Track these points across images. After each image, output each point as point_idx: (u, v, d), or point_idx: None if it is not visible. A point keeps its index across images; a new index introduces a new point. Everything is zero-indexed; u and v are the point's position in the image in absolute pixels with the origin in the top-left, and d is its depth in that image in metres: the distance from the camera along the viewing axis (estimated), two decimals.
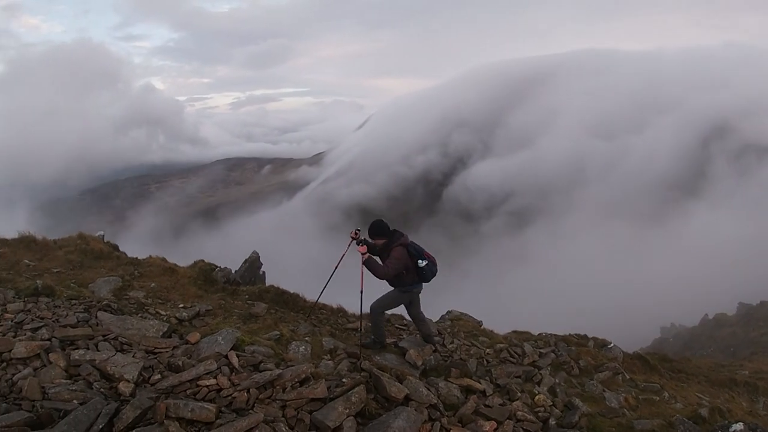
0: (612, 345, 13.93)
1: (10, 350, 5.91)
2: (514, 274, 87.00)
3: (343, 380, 6.09)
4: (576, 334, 14.25)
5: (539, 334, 13.05)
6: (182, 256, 13.69)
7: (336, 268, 9.15)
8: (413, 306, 9.35)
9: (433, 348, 9.47)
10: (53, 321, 7.30)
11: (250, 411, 5.22)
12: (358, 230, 8.76)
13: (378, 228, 8.76)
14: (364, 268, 8.52)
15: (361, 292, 8.84)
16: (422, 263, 8.60)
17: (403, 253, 8.55)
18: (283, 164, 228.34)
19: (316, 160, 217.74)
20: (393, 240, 8.66)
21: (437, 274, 8.95)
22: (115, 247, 13.85)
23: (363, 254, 8.50)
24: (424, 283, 9.02)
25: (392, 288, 8.97)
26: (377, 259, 8.69)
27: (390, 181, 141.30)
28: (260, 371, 6.09)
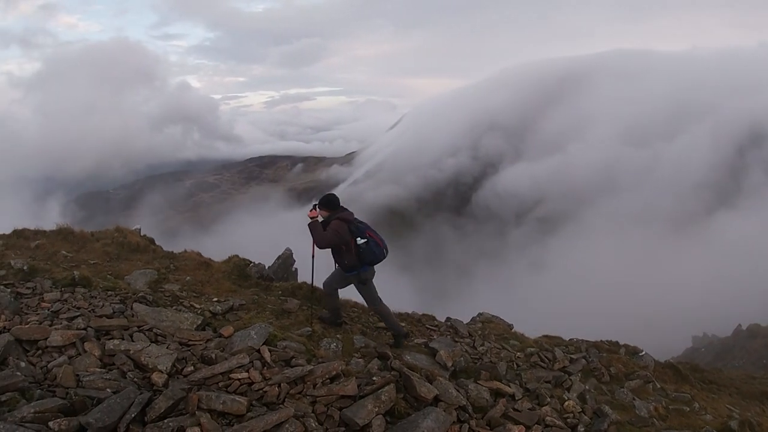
0: (644, 353, 13.79)
1: (46, 338, 6.00)
2: (543, 279, 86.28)
3: (374, 378, 6.06)
4: (607, 341, 14.12)
5: (570, 340, 12.94)
6: (215, 251, 13.80)
7: (314, 249, 9.03)
8: (366, 292, 9.23)
9: (402, 339, 9.41)
10: (89, 311, 7.42)
11: (281, 405, 5.22)
12: (316, 205, 8.74)
13: (326, 200, 8.76)
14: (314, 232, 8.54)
15: (313, 257, 9.16)
16: (361, 242, 8.52)
17: (342, 227, 8.47)
18: (315, 163, 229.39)
19: (348, 159, 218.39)
20: (334, 214, 8.64)
21: (384, 258, 8.85)
22: (152, 241, 14.03)
23: (311, 218, 8.57)
24: (371, 266, 8.92)
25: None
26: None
27: (420, 184, 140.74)
28: (291, 366, 6.08)
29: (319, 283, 9.81)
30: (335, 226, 8.44)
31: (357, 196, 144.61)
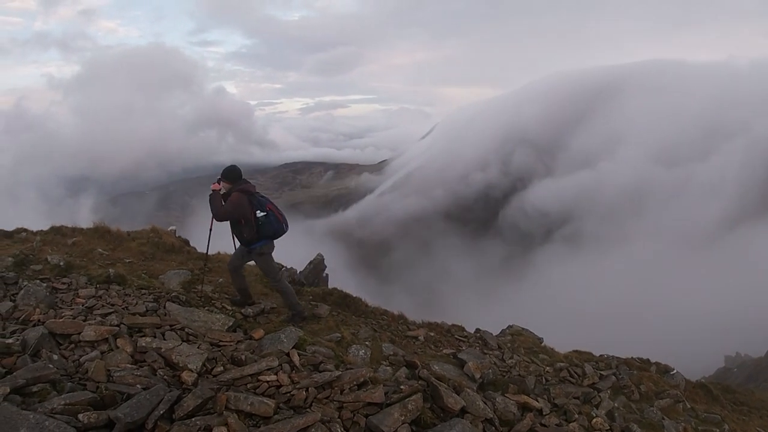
0: (675, 372, 13.56)
1: (80, 333, 6.12)
2: (570, 297, 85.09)
3: (401, 387, 6.03)
4: (638, 358, 13.90)
5: (601, 356, 12.77)
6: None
7: (212, 223, 9.05)
8: (264, 265, 9.17)
9: (299, 318, 9.31)
10: (123, 308, 7.52)
11: (308, 410, 5.21)
12: (221, 179, 8.66)
13: (228, 172, 8.68)
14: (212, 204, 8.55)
15: (210, 230, 9.23)
16: (260, 215, 8.49)
17: (241, 199, 8.44)
18: (348, 170, 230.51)
19: (379, 168, 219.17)
20: (236, 186, 8.59)
21: (284, 232, 8.93)
22: (186, 242, 14.18)
23: (213, 190, 8.54)
24: (270, 240, 8.90)
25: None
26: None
27: (447, 198, 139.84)
28: (320, 371, 6.10)
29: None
30: (235, 198, 8.43)
31: (383, 207, 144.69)
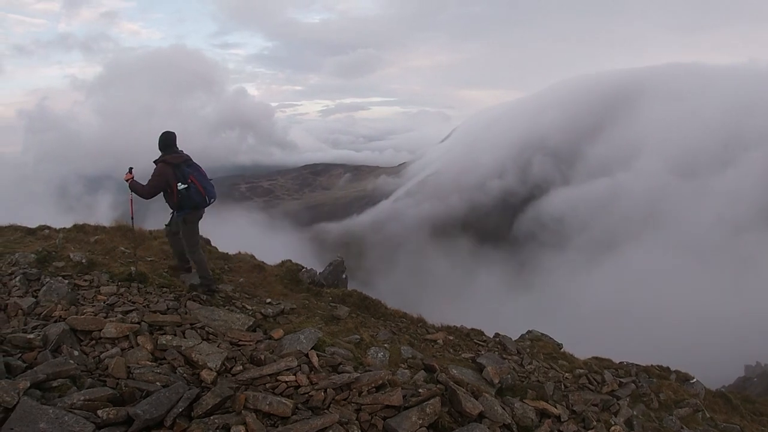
0: (695, 380, 13.43)
1: (101, 330, 6.17)
2: (588, 304, 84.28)
3: (419, 390, 6.00)
4: (658, 366, 13.77)
5: (620, 363, 12.64)
6: (267, 255, 13.94)
7: (132, 210, 9.46)
8: (186, 233, 9.32)
9: (206, 288, 9.39)
10: (144, 306, 7.57)
11: (326, 411, 5.21)
12: (132, 168, 8.80)
13: (160, 140, 8.86)
14: (133, 195, 8.76)
15: (132, 218, 9.80)
16: (181, 187, 8.61)
17: (164, 170, 8.58)
18: (368, 171, 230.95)
19: (397, 170, 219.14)
20: (164, 154, 8.76)
21: (207, 205, 9.11)
22: (207, 242, 14.24)
23: (127, 180, 8.62)
24: (192, 210, 9.04)
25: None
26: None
27: (463, 204, 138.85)
28: (339, 373, 6.10)
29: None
30: (158, 169, 8.62)
31: (398, 213, 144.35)
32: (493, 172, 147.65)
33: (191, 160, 8.99)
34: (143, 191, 8.60)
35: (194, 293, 8.97)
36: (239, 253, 13.06)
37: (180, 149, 8.99)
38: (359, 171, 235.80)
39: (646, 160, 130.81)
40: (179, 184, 8.61)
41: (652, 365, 13.57)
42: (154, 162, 8.75)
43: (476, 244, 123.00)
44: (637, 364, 12.88)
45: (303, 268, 12.42)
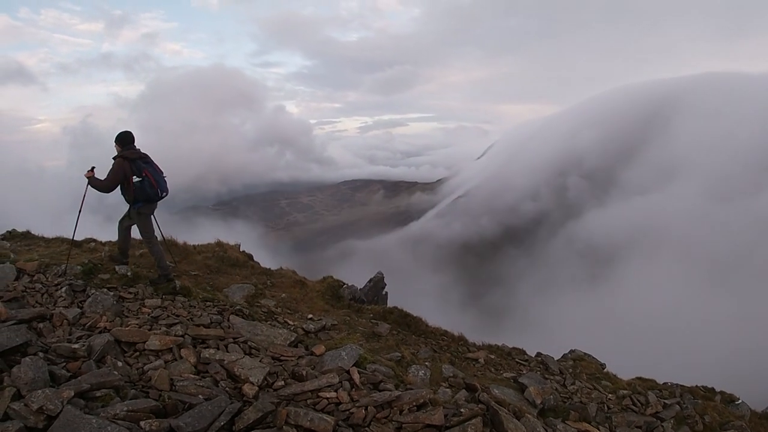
0: (740, 401, 13.01)
1: (145, 342, 6.22)
2: (627, 327, 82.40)
3: (461, 410, 5.88)
4: (703, 387, 13.38)
5: (664, 384, 12.35)
6: (307, 271, 13.99)
7: (82, 203, 9.67)
8: (141, 225, 9.84)
9: (164, 279, 9.68)
10: (188, 319, 7.64)
11: (366, 428, 5.14)
12: (94, 167, 9.25)
13: (119, 137, 9.46)
14: (88, 190, 9.32)
15: (79, 211, 9.84)
16: (135, 180, 9.23)
17: (121, 164, 9.12)
18: (406, 187, 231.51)
19: (432, 187, 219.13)
20: (123, 150, 9.34)
21: (160, 198, 9.68)
22: (250, 257, 14.35)
23: (88, 177, 9.10)
24: (146, 203, 9.61)
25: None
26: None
27: (496, 228, 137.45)
28: (379, 390, 6.02)
29: (77, 234, 10.56)
30: (116, 164, 9.17)
31: (428, 234, 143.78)
32: (528, 194, 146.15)
33: (148, 157, 9.59)
34: (102, 185, 9.12)
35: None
36: (281, 268, 13.13)
37: (137, 147, 9.57)
38: (396, 187, 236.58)
39: (682, 182, 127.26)
40: (134, 177, 9.24)
41: (696, 386, 13.23)
42: (113, 158, 9.29)
43: (509, 264, 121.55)
44: (681, 385, 12.60)
45: (344, 284, 12.43)
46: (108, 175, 9.13)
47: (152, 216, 10.06)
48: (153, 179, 9.38)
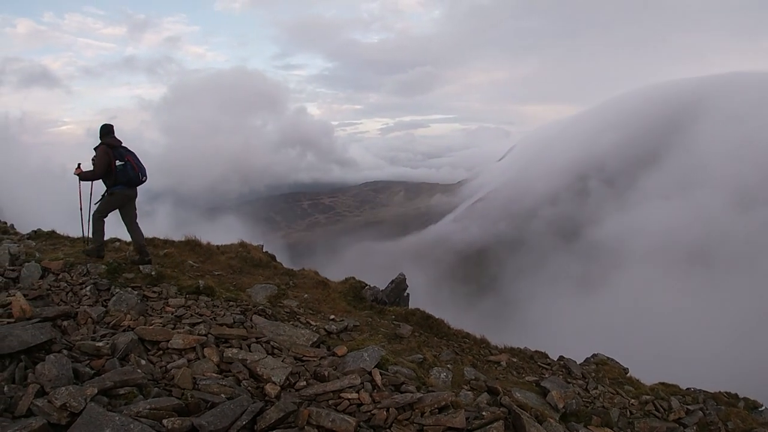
0: (763, 408, 12.81)
1: (168, 340, 6.26)
2: (648, 332, 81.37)
3: (482, 413, 5.85)
4: (726, 393, 13.19)
5: (688, 389, 12.19)
6: (329, 272, 14.00)
7: (81, 201, 10.48)
8: (125, 211, 10.45)
9: (95, 253, 10.27)
10: (211, 319, 7.69)
11: (387, 430, 5.15)
12: (80, 163, 9.98)
13: (101, 129, 10.10)
14: (82, 186, 10.31)
15: (81, 209, 10.56)
16: (119, 164, 9.88)
17: (104, 150, 9.83)
18: (427, 189, 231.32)
19: (452, 189, 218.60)
20: (105, 140, 9.98)
21: (141, 182, 10.29)
22: (273, 257, 14.42)
23: (78, 174, 9.91)
24: (127, 187, 10.15)
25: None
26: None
27: (513, 233, 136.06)
28: (401, 392, 6.00)
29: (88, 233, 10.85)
30: (100, 150, 9.87)
31: (445, 237, 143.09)
32: (547, 199, 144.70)
33: (128, 148, 10.27)
34: (92, 174, 9.89)
35: (260, 308, 9.06)
36: (303, 269, 13.16)
37: (118, 138, 10.23)
38: (417, 189, 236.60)
39: (703, 189, 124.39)
40: (117, 161, 9.90)
41: (720, 392, 13.05)
42: (94, 148, 10.03)
43: (525, 268, 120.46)
44: (704, 391, 12.45)
45: (366, 285, 12.43)
46: (95, 162, 9.84)
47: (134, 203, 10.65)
48: (134, 163, 10.07)
